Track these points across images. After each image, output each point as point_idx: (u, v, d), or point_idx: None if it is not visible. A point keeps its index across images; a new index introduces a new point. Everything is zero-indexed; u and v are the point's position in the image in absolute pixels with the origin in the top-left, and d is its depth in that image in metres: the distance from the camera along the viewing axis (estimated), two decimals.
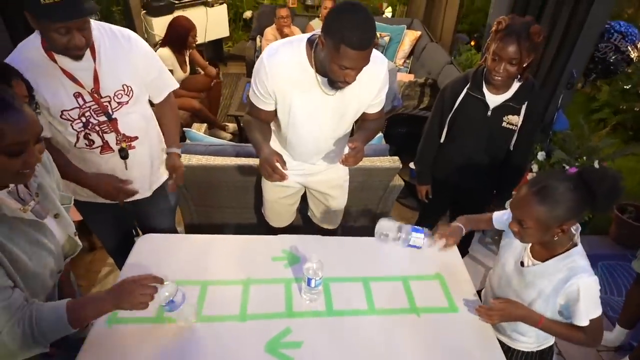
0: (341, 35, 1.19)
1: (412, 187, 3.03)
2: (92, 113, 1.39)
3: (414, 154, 3.14)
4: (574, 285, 1.14)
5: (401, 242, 1.51)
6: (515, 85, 1.71)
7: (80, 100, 1.35)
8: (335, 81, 1.32)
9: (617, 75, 4.33)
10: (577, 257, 1.18)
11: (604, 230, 2.93)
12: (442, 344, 1.26)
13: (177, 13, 4.02)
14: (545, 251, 1.22)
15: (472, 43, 5.12)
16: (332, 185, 1.80)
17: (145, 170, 1.61)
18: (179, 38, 3.20)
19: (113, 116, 1.43)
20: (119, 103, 1.43)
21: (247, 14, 5.38)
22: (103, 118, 1.41)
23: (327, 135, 1.57)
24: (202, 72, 3.68)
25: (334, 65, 1.26)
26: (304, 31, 4.13)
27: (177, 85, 1.67)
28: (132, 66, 1.45)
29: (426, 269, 1.51)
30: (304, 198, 1.93)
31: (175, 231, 1.90)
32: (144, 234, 1.73)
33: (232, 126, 3.72)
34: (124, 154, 1.48)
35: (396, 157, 2.19)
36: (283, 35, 3.90)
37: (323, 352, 1.21)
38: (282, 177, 1.39)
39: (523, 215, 1.13)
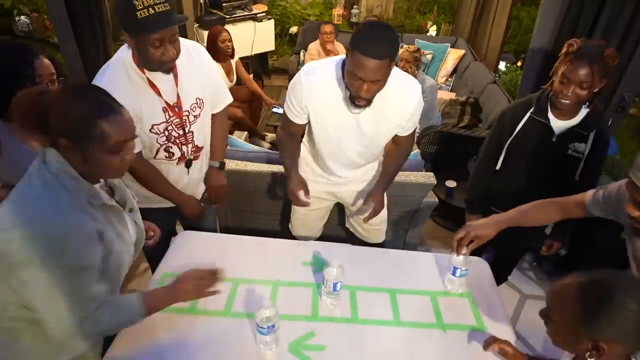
0: (356, 43, 1.24)
1: (448, 205, 2.99)
2: (174, 127, 1.47)
3: (450, 171, 3.13)
4: None
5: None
6: (583, 111, 1.61)
7: (166, 114, 1.44)
8: (352, 96, 1.34)
9: None
10: None
11: None
12: None
13: (227, 27, 4.24)
14: None
15: (519, 64, 5.01)
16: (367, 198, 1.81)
17: (202, 174, 1.71)
18: (212, 46, 3.40)
19: (190, 129, 1.52)
20: (194, 116, 1.52)
21: (293, 29, 5.56)
22: (183, 131, 1.50)
23: (360, 153, 1.59)
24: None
25: (349, 75, 1.29)
26: (347, 47, 4.22)
27: (232, 100, 1.72)
28: (202, 79, 1.53)
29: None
30: (342, 214, 1.95)
31: (216, 229, 1.98)
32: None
33: (271, 136, 3.83)
34: (189, 164, 1.59)
35: (431, 173, 2.18)
36: (326, 50, 4.01)
37: (345, 358, 1.22)
38: (305, 205, 1.54)
39: (554, 303, 0.90)
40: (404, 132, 1.58)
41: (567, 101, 1.52)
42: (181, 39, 1.49)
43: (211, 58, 1.60)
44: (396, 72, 1.42)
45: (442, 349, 1.26)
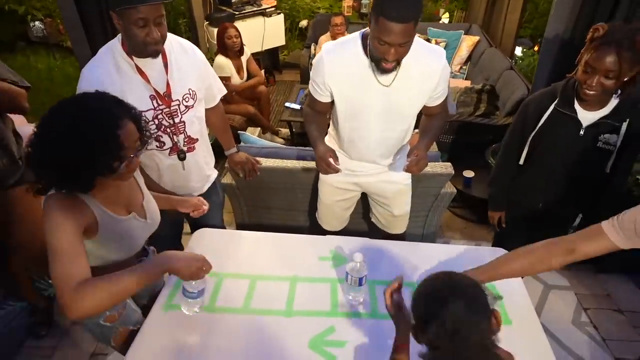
0: (380, 8, 1.23)
1: (466, 196, 2.94)
2: (164, 116, 1.48)
3: (468, 161, 3.07)
4: None
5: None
6: (614, 100, 1.50)
7: (154, 102, 1.45)
8: (378, 61, 1.34)
9: None
10: None
11: None
12: None
13: (236, 24, 4.22)
14: None
15: (536, 48, 4.87)
16: (393, 190, 1.79)
17: (202, 169, 1.71)
18: (221, 43, 3.39)
19: (182, 119, 1.53)
20: (186, 106, 1.53)
21: (303, 23, 5.52)
22: (173, 120, 1.51)
23: (386, 130, 1.57)
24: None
25: (375, 41, 1.29)
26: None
27: (226, 91, 1.77)
28: (196, 72, 1.55)
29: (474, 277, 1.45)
30: (367, 205, 1.94)
31: (223, 226, 1.98)
32: (193, 230, 1.82)
33: (284, 131, 3.82)
34: (182, 156, 1.57)
35: (448, 164, 2.14)
36: None
37: (366, 354, 1.20)
38: (336, 171, 1.51)
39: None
40: (434, 102, 1.57)
41: (591, 92, 1.41)
42: (178, 38, 1.53)
43: (203, 55, 1.62)
44: (419, 41, 1.42)
45: None
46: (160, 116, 1.48)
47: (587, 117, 1.53)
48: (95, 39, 2.47)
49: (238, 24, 4.25)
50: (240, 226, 2.48)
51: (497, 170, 1.88)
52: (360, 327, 1.28)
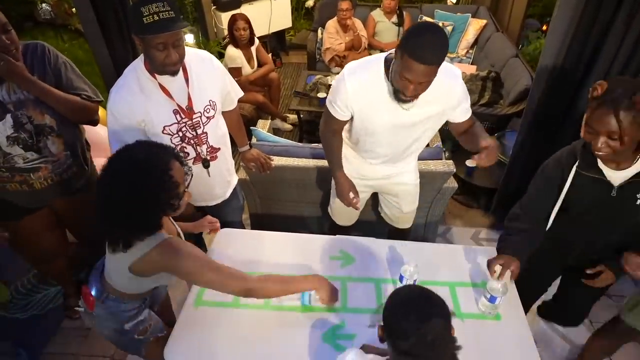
0: (408, 47, 1.29)
1: (468, 184, 3.06)
2: (187, 128, 1.60)
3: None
4: None
5: None
6: None
7: (178, 116, 1.57)
8: (399, 92, 1.42)
9: None
10: None
11: None
12: (482, 350, 1.36)
13: (243, 7, 4.24)
14: None
15: (544, 28, 4.83)
16: (402, 190, 1.92)
17: (224, 176, 1.84)
18: (231, 33, 3.43)
19: (204, 130, 1.64)
20: (207, 118, 1.64)
21: (310, 2, 5.47)
22: (196, 132, 1.63)
23: (400, 141, 1.68)
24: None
25: (398, 76, 1.37)
26: (364, 23, 4.16)
27: (242, 93, 1.87)
28: (215, 83, 1.66)
29: (473, 276, 1.61)
30: (376, 199, 2.08)
31: (243, 226, 2.14)
32: None
33: (292, 117, 3.92)
34: (207, 164, 1.70)
35: (450, 161, 2.25)
36: (344, 27, 3.97)
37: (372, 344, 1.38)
38: (356, 208, 1.75)
39: None
40: (462, 117, 1.62)
41: (600, 153, 1.26)
42: (196, 51, 1.63)
43: (221, 64, 1.72)
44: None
45: (460, 338, 1.39)
46: (184, 129, 1.59)
47: (616, 176, 1.35)
48: (115, 41, 2.39)
49: (245, 7, 4.26)
50: (253, 216, 2.65)
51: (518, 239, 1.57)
52: (367, 321, 1.44)
